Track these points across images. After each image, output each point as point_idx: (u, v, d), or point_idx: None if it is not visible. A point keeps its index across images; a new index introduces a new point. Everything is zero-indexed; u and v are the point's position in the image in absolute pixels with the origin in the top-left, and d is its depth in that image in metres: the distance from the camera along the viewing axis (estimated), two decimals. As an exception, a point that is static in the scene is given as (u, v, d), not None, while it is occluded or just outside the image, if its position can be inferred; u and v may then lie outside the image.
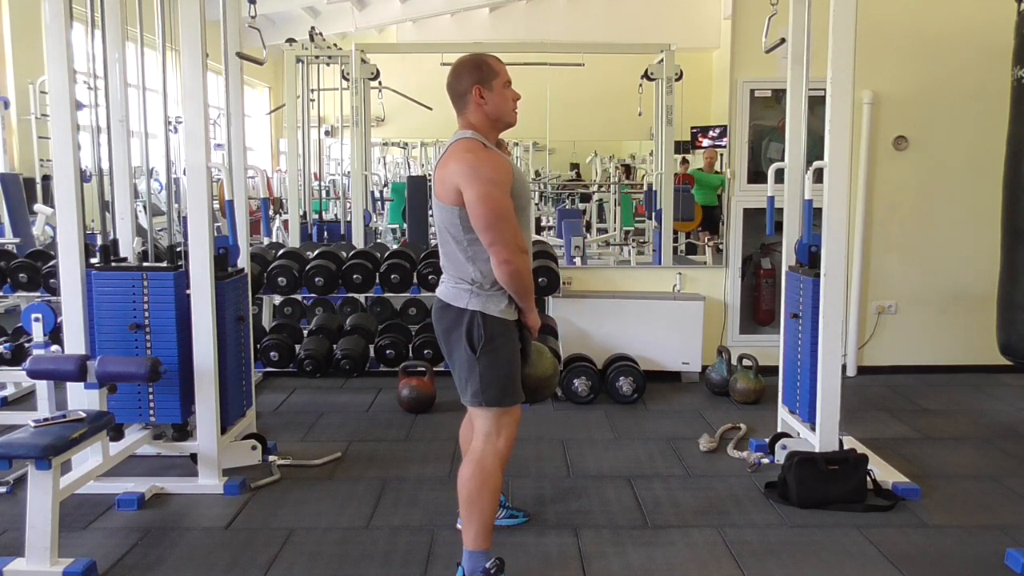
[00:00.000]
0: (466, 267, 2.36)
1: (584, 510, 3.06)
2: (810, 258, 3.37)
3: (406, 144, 8.74)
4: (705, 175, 6.69)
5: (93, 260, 3.21)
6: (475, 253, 2.34)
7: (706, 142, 7.10)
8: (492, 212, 2.25)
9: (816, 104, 3.42)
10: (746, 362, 4.47)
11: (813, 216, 3.37)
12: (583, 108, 7.12)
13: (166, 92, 3.26)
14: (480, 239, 2.30)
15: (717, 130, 6.59)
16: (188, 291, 3.16)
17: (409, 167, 8.80)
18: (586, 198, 7.67)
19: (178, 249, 3.27)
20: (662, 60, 5.31)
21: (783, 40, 3.58)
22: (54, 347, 3.67)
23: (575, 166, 8.50)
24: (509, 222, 2.28)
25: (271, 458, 3.46)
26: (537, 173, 8.06)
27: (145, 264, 3.32)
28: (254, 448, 3.46)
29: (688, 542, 2.79)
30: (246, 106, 3.83)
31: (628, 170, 8.09)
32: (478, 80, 2.35)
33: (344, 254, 4.84)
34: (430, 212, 6.20)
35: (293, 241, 5.95)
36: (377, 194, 6.88)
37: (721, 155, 5.83)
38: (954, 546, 2.77)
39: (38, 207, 5.87)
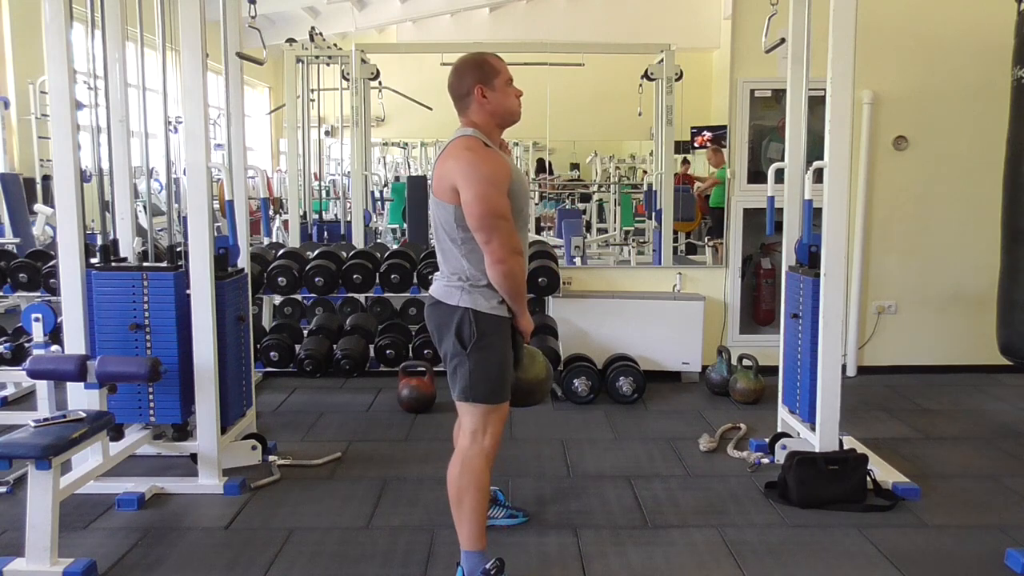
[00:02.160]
0: (460, 264, 2.37)
1: (584, 510, 3.06)
2: (810, 258, 3.37)
3: (406, 144, 8.74)
4: (723, 173, 6.63)
5: (93, 260, 3.22)
6: (469, 251, 2.35)
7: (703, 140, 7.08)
8: (488, 212, 2.25)
9: (816, 104, 3.42)
10: (746, 362, 4.47)
11: (813, 216, 3.37)
12: (583, 108, 7.11)
13: (166, 92, 3.26)
14: (475, 238, 2.30)
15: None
16: (188, 291, 3.16)
17: (409, 167, 8.79)
18: (586, 198, 7.67)
19: (178, 249, 3.27)
20: (662, 60, 5.32)
21: (783, 40, 3.58)
22: (54, 347, 3.67)
23: (575, 166, 8.50)
24: (505, 222, 2.28)
25: (271, 458, 3.46)
26: (538, 172, 8.06)
27: (145, 264, 3.32)
28: (254, 448, 3.46)
29: (688, 542, 2.79)
30: (246, 106, 3.83)
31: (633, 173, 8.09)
32: (480, 79, 2.36)
33: (344, 254, 4.84)
34: (430, 212, 6.22)
35: (293, 241, 5.95)
36: (377, 194, 6.88)
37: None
38: (954, 546, 2.77)
39: (38, 207, 5.88)
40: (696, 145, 7.13)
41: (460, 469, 2.39)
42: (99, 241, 3.29)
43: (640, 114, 5.77)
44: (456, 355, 2.37)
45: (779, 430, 3.61)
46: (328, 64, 6.29)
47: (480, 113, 2.38)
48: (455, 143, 2.34)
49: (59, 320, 3.39)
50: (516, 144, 8.21)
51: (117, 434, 3.19)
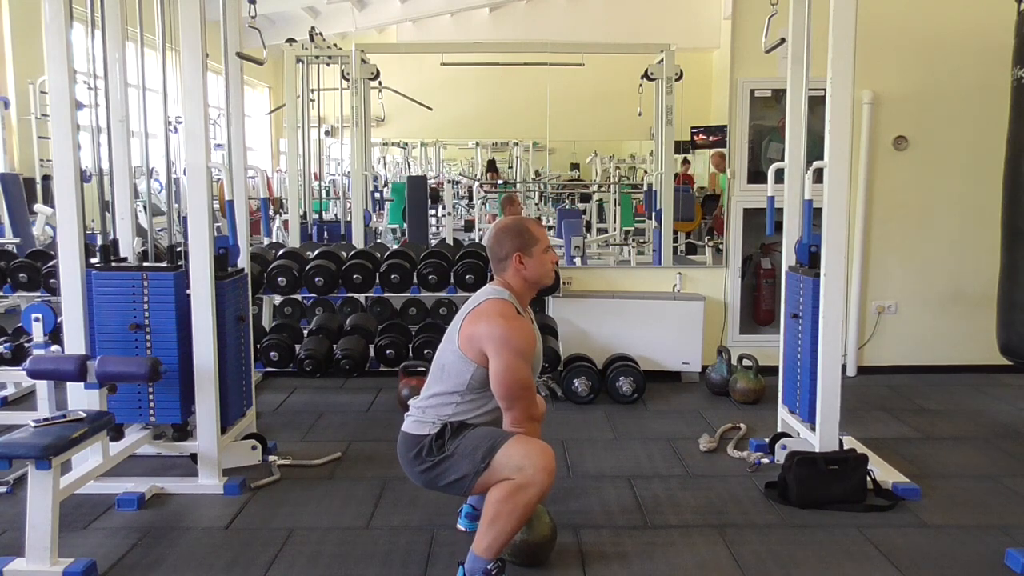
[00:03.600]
0: (447, 410, 2.41)
1: (584, 510, 3.06)
2: (810, 258, 3.37)
3: (406, 144, 8.74)
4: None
5: (93, 260, 3.21)
6: (467, 409, 2.41)
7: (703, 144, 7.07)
8: (517, 384, 2.34)
9: (816, 104, 3.42)
10: (746, 362, 4.47)
11: (813, 216, 3.37)
12: (583, 108, 7.12)
13: (166, 92, 3.26)
14: (499, 404, 2.38)
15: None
16: (188, 291, 3.16)
17: (409, 167, 8.80)
18: (586, 198, 7.68)
19: (178, 249, 3.27)
20: (662, 60, 5.32)
21: (783, 40, 3.58)
22: (54, 347, 3.67)
23: (575, 166, 8.50)
24: (529, 392, 2.39)
25: (271, 458, 3.46)
26: (537, 173, 8.07)
27: (145, 264, 3.32)
28: (254, 448, 3.46)
29: (688, 542, 2.79)
30: (246, 106, 3.83)
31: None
32: (520, 248, 2.43)
33: (344, 254, 4.84)
34: (431, 212, 6.24)
35: (293, 241, 5.95)
36: (377, 194, 6.88)
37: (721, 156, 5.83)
38: (954, 546, 2.77)
39: (38, 207, 5.88)
40: (696, 143, 7.13)
41: (506, 495, 2.27)
42: (99, 241, 3.29)
43: (640, 114, 5.77)
44: (436, 465, 2.36)
45: (779, 430, 3.61)
46: (328, 64, 6.29)
47: (516, 278, 2.46)
48: (489, 305, 2.39)
49: (59, 320, 3.38)
50: (516, 144, 8.23)
51: (117, 434, 3.19)
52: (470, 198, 7.87)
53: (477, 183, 7.79)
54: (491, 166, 8.77)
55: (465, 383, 2.39)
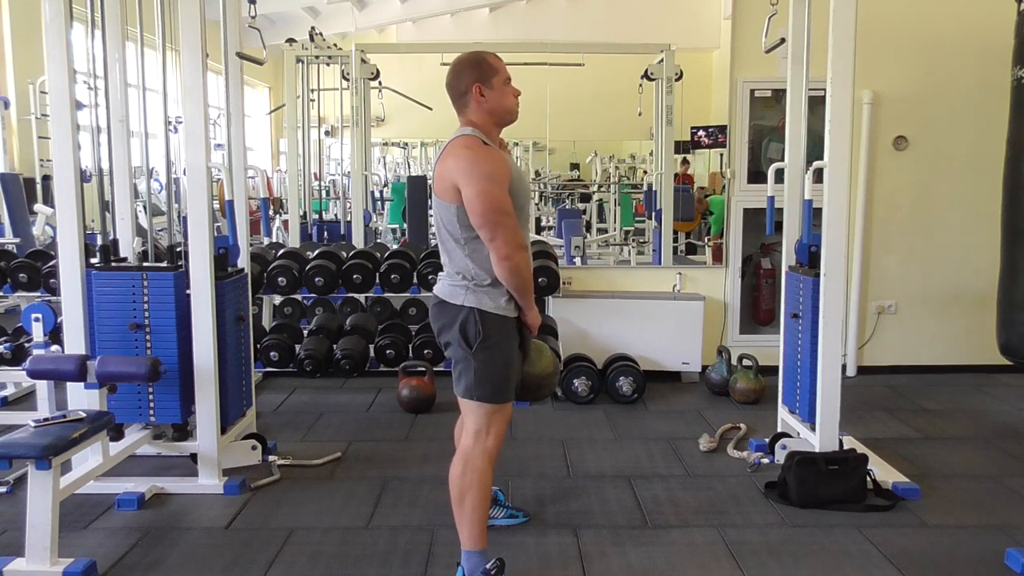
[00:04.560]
0: (464, 263, 2.36)
1: (584, 510, 3.06)
2: (810, 258, 3.37)
3: (406, 144, 8.74)
4: (718, 199, 6.41)
5: (93, 260, 3.21)
6: (473, 250, 2.34)
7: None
8: (491, 208, 2.25)
9: (816, 104, 3.42)
10: (746, 362, 4.47)
11: (813, 216, 3.37)
12: (583, 108, 7.11)
13: (166, 92, 3.26)
14: (479, 235, 2.30)
15: (702, 132, 6.54)
16: (188, 291, 3.16)
17: (409, 167, 8.80)
18: (586, 198, 7.67)
19: (178, 249, 3.27)
20: (662, 60, 5.31)
21: (783, 40, 3.58)
22: (54, 347, 3.67)
23: (575, 166, 8.50)
24: (508, 218, 2.28)
25: (271, 458, 3.46)
26: (537, 173, 8.06)
27: (145, 264, 3.32)
28: (254, 448, 3.46)
29: (688, 542, 2.79)
30: (246, 106, 3.83)
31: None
32: (478, 78, 2.35)
33: (344, 254, 4.84)
34: (430, 212, 6.22)
35: (293, 241, 5.95)
36: (377, 194, 6.88)
37: (721, 155, 5.83)
38: (954, 546, 2.77)
39: (38, 207, 5.88)
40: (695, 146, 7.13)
41: (462, 469, 2.39)
42: (99, 241, 3.29)
43: (640, 114, 5.77)
44: (461, 354, 2.37)
45: (779, 430, 3.61)
46: (328, 64, 6.29)
47: (478, 112, 2.38)
48: (454, 142, 2.35)
49: (59, 320, 3.38)
50: (516, 144, 8.21)
51: (117, 434, 3.19)
52: None
53: None
54: None
55: (457, 228, 2.32)
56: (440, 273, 2.50)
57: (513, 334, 2.43)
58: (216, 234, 3.23)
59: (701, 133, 6.49)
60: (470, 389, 2.37)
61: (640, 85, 5.49)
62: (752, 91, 4.87)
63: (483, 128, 2.38)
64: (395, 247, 5.16)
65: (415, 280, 4.68)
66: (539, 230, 7.14)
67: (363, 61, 5.67)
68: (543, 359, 2.64)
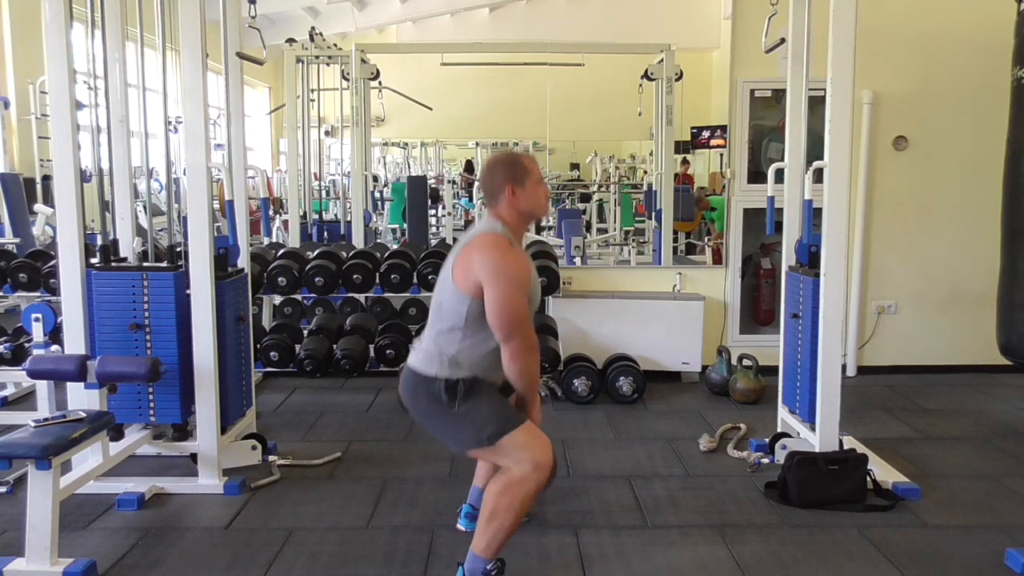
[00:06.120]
0: (451, 348, 2.38)
1: (584, 510, 3.06)
2: (810, 258, 3.37)
3: (406, 144, 8.75)
4: (719, 200, 6.43)
5: (93, 260, 3.21)
6: (470, 345, 2.37)
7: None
8: (514, 314, 2.30)
9: (816, 104, 3.42)
10: (746, 362, 4.47)
11: (813, 216, 3.37)
12: (583, 108, 7.12)
13: (166, 92, 3.26)
14: (496, 335, 2.33)
15: (707, 132, 6.54)
16: (188, 291, 3.16)
17: (409, 167, 8.80)
18: (586, 198, 7.67)
19: (178, 249, 3.27)
20: (662, 60, 5.32)
21: (783, 40, 3.58)
22: (54, 347, 3.67)
23: (575, 166, 8.51)
24: (526, 322, 2.35)
25: (271, 458, 3.46)
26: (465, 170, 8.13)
27: (145, 264, 3.32)
28: (254, 448, 3.46)
29: (688, 542, 2.79)
30: (246, 106, 3.83)
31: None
32: (512, 180, 2.41)
33: (344, 254, 4.84)
34: (431, 212, 6.25)
35: (293, 241, 5.95)
36: (377, 194, 6.88)
37: (721, 155, 5.83)
38: (954, 546, 2.77)
39: (38, 207, 5.87)
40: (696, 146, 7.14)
41: (503, 489, 2.31)
42: (99, 241, 3.29)
43: (640, 114, 5.77)
44: (440, 417, 2.37)
45: (779, 430, 3.61)
46: (328, 64, 6.28)
47: (509, 210, 2.43)
48: (483, 238, 2.37)
49: (59, 320, 3.38)
50: (516, 144, 8.22)
51: (117, 434, 3.19)
52: (470, 198, 7.87)
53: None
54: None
55: (463, 318, 2.35)
56: (415, 344, 2.51)
57: (495, 390, 2.44)
58: (216, 234, 3.23)
59: (707, 133, 6.49)
60: (479, 439, 2.32)
61: (640, 85, 5.50)
62: (752, 91, 4.87)
63: (511, 225, 2.43)
64: (395, 247, 5.15)
65: (415, 280, 4.68)
66: (539, 230, 7.13)
67: (363, 61, 5.67)
68: None
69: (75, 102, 3.06)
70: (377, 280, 4.68)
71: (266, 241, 6.01)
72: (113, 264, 3.25)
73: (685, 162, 7.20)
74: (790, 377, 3.55)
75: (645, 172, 7.36)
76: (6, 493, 3.14)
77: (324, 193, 7.36)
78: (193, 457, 3.28)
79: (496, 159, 2.50)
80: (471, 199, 7.51)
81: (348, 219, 6.13)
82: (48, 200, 5.79)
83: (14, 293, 4.34)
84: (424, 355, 2.43)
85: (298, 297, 5.37)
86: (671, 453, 3.67)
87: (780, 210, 3.61)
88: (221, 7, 3.43)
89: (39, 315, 3.67)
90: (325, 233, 6.33)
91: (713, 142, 6.42)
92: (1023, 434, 3.95)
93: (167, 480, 3.22)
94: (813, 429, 3.28)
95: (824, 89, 3.14)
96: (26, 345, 3.99)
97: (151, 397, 3.22)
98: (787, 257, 3.61)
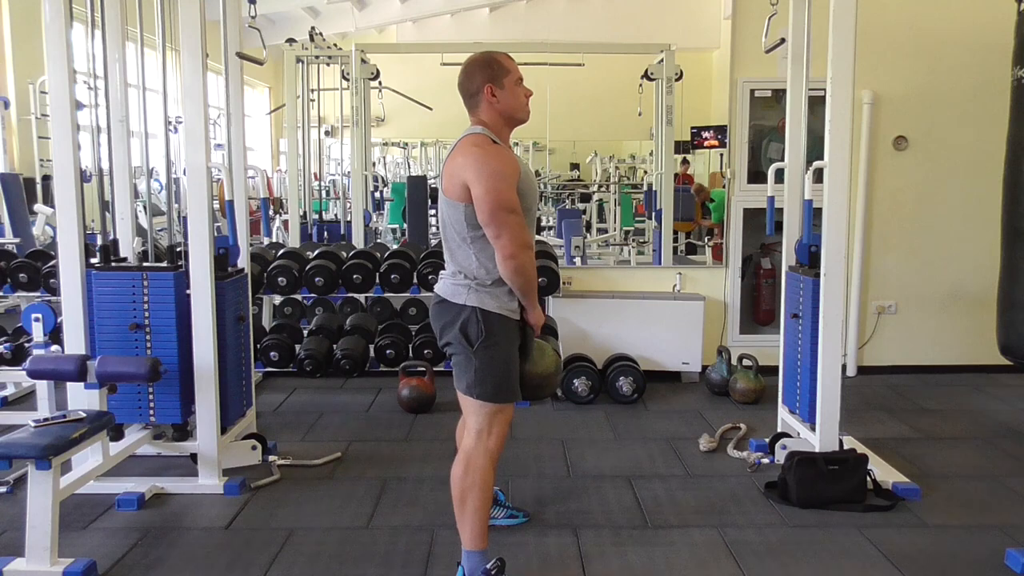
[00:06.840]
0: (468, 263, 2.36)
1: (584, 510, 3.06)
2: (810, 258, 3.38)
3: (406, 144, 8.74)
4: (720, 192, 6.46)
5: (93, 260, 3.21)
6: (479, 249, 2.34)
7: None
8: (499, 205, 2.25)
9: (816, 104, 3.42)
10: (746, 362, 4.47)
11: (813, 216, 3.37)
12: (583, 108, 7.12)
13: (166, 92, 3.26)
14: (486, 233, 2.29)
15: (708, 132, 6.52)
16: (188, 291, 3.16)
17: (409, 167, 8.80)
18: (586, 198, 7.67)
19: (178, 249, 3.27)
20: (662, 60, 5.31)
21: (783, 40, 3.58)
22: (54, 347, 3.67)
23: (575, 166, 8.51)
24: (515, 216, 2.28)
25: (271, 458, 3.46)
26: (537, 173, 8.07)
27: (145, 264, 3.32)
28: (254, 448, 3.46)
29: (688, 542, 2.79)
30: (246, 106, 3.83)
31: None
32: (489, 78, 2.36)
33: (344, 254, 4.84)
34: (431, 212, 6.24)
35: (293, 241, 5.95)
36: (377, 194, 6.88)
37: (721, 155, 5.83)
38: (954, 546, 2.77)
39: (38, 207, 5.88)
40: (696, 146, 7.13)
41: (464, 469, 2.38)
42: (99, 241, 3.29)
43: (640, 114, 5.76)
44: (462, 352, 2.37)
45: (779, 430, 3.61)
46: (328, 64, 6.29)
47: (489, 112, 2.38)
48: (464, 141, 2.35)
49: (59, 320, 3.38)
50: (516, 144, 8.22)
51: (117, 434, 3.19)
52: None
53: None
54: None
55: (464, 227, 2.32)
56: (441, 272, 2.50)
57: (515, 334, 2.44)
58: (216, 234, 3.23)
59: (706, 134, 6.48)
60: (471, 387, 2.37)
61: (640, 85, 5.49)
62: (752, 91, 4.87)
63: (494, 128, 2.39)
64: (395, 247, 5.15)
65: (415, 280, 4.68)
66: (539, 230, 7.14)
67: (363, 61, 5.67)
68: (545, 358, 2.63)
69: (75, 102, 3.06)
70: (377, 280, 4.68)
71: (266, 241, 6.02)
72: (113, 264, 3.25)
73: (685, 162, 7.20)
74: (790, 377, 3.55)
75: (645, 172, 7.36)
76: (6, 493, 3.14)
77: (324, 193, 7.36)
78: (193, 457, 3.28)
79: (472, 59, 2.42)
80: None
81: (348, 219, 6.13)
82: (48, 200, 5.79)
83: (14, 293, 4.35)
84: (451, 280, 2.40)
85: (298, 297, 5.38)
86: (671, 453, 3.67)
87: (780, 210, 3.61)
88: (221, 7, 3.43)
89: (39, 315, 3.68)
90: (325, 233, 6.33)
91: (707, 143, 6.42)
92: (1023, 434, 3.95)
93: (167, 480, 3.22)
94: (813, 429, 3.28)
95: (824, 89, 3.14)
96: (26, 345, 3.99)
97: (151, 397, 3.22)
98: (787, 257, 3.61)
